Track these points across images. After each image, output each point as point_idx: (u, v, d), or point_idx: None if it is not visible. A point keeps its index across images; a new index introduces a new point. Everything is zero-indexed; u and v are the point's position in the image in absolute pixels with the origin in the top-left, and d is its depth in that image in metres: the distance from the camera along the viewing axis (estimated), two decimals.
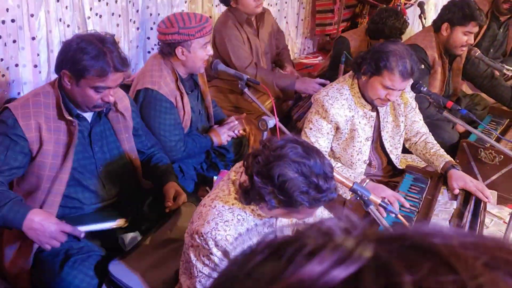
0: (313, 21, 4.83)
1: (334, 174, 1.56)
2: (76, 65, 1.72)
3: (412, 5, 4.16)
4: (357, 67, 2.17)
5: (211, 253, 1.43)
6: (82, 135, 1.90)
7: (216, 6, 3.62)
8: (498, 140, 2.59)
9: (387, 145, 2.39)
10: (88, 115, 1.92)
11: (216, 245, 1.42)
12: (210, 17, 3.55)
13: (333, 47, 3.57)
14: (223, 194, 1.51)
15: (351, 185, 1.60)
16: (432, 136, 2.44)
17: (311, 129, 2.25)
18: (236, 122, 2.68)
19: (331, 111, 2.19)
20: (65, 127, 1.83)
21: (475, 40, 3.73)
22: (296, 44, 4.76)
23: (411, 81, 2.20)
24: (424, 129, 2.47)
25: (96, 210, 1.96)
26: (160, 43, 2.36)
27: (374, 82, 2.10)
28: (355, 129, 2.25)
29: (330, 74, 3.49)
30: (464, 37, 2.80)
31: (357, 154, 2.30)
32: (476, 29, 2.80)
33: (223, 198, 1.49)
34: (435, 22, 2.95)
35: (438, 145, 2.39)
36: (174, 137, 2.36)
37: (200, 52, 2.31)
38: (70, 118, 1.81)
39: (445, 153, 2.33)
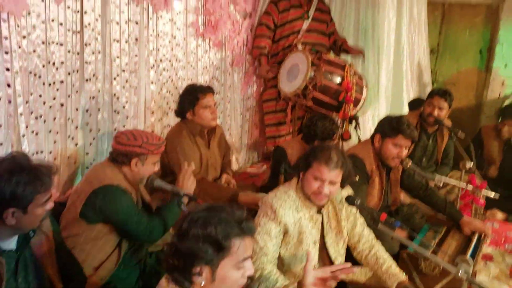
0: (259, 133, 4.97)
1: None
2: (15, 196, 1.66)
3: (356, 114, 4.36)
4: (296, 170, 2.32)
5: None
6: (9, 267, 1.75)
7: (159, 120, 3.68)
8: (436, 250, 2.61)
9: (331, 251, 2.39)
10: (13, 244, 1.79)
11: None
12: (153, 131, 3.60)
13: (272, 157, 3.74)
14: None
15: None
16: (382, 248, 2.44)
17: (259, 233, 2.24)
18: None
19: (280, 211, 2.23)
20: None
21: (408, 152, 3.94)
22: (241, 154, 4.85)
23: (340, 175, 2.26)
24: (372, 238, 2.48)
25: None
26: (114, 152, 2.45)
27: (307, 175, 2.25)
28: (303, 231, 2.27)
29: (271, 183, 3.55)
30: (393, 149, 2.93)
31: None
32: (406, 142, 2.94)
33: None
34: (372, 135, 3.11)
35: (389, 257, 2.39)
36: (141, 224, 2.39)
37: (150, 167, 2.48)
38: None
39: (397, 269, 2.32)
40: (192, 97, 3.23)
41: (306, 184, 2.26)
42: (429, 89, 5.58)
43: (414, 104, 4.79)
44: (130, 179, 2.47)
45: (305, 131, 3.49)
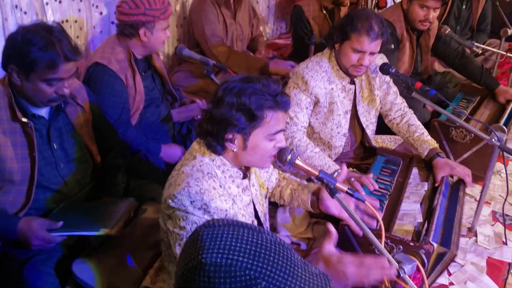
0: (287, 1, 4.73)
1: (300, 163, 1.56)
2: (24, 58, 1.62)
3: None
4: (330, 40, 2.19)
5: (188, 212, 1.42)
6: (40, 134, 1.81)
7: None
8: (467, 119, 2.58)
9: (362, 120, 2.40)
10: (45, 112, 1.83)
11: (192, 202, 1.41)
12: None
13: (291, 16, 3.75)
14: (188, 160, 1.51)
15: (317, 173, 1.56)
16: (414, 116, 2.43)
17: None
18: (195, 105, 2.65)
19: (311, 83, 2.19)
20: (21, 129, 1.74)
21: (441, 18, 3.73)
22: (269, 25, 4.68)
23: (380, 44, 2.15)
24: (405, 106, 2.46)
25: (60, 209, 1.88)
26: (120, 24, 2.32)
27: (345, 48, 2.13)
28: (334, 102, 2.25)
29: (297, 48, 3.53)
30: (421, 10, 2.83)
31: (337, 128, 2.31)
32: (433, 3, 2.79)
33: (188, 163, 1.49)
34: None
35: (421, 125, 2.39)
36: (113, 115, 2.27)
37: (161, 34, 2.34)
38: (24, 119, 1.73)
39: (428, 136, 2.32)
40: None
41: (344, 57, 2.15)
42: None
43: None
44: (139, 52, 2.36)
45: None
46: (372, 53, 2.12)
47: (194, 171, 1.46)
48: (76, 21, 2.82)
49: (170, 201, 1.43)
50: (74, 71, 1.74)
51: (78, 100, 1.93)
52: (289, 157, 1.55)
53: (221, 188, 1.48)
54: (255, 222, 1.65)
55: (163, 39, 2.38)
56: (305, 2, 3.64)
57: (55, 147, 1.86)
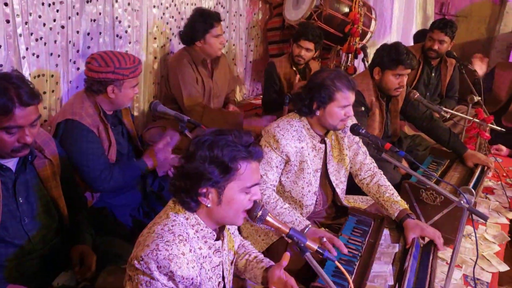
0: (264, 63, 4.87)
1: (271, 219, 1.54)
2: None
3: (365, 45, 4.27)
4: (307, 109, 2.24)
5: (153, 278, 1.36)
6: (6, 187, 1.75)
7: (162, 47, 3.59)
8: (437, 182, 2.62)
9: (332, 179, 2.41)
10: (12, 164, 1.78)
11: (159, 267, 1.35)
12: (155, 57, 3.53)
13: (264, 71, 3.94)
14: (161, 218, 1.47)
15: (287, 230, 1.54)
16: (384, 177, 2.45)
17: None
18: (173, 133, 2.60)
19: (282, 141, 2.22)
20: None
21: (411, 84, 3.89)
22: (245, 86, 4.78)
23: None
24: (374, 167, 2.49)
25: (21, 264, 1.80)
26: (88, 80, 2.31)
27: (330, 109, 2.20)
28: (304, 160, 2.28)
29: (266, 102, 3.84)
30: (394, 80, 2.90)
31: (307, 186, 2.32)
32: (406, 72, 2.89)
33: (161, 222, 1.45)
34: (369, 66, 3.05)
35: (391, 186, 2.41)
36: (98, 166, 2.25)
37: (129, 91, 2.33)
38: None
39: (398, 197, 2.34)
40: (205, 24, 3.15)
41: (330, 117, 2.22)
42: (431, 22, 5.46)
43: (418, 36, 4.69)
44: (108, 108, 2.35)
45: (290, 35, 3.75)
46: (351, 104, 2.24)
47: (166, 231, 1.42)
48: (52, 76, 2.83)
49: (136, 262, 1.38)
50: (35, 118, 1.68)
51: (46, 153, 1.90)
52: (259, 213, 1.53)
53: (191, 253, 1.43)
54: (221, 284, 1.60)
55: (131, 96, 2.38)
56: (278, 59, 3.83)
57: (21, 201, 1.80)
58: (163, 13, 3.52)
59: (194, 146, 1.44)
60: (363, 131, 2.28)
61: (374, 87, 3.00)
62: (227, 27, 4.31)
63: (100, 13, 3.00)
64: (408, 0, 5.37)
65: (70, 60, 2.93)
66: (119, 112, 2.46)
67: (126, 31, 3.20)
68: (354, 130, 2.30)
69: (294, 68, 3.78)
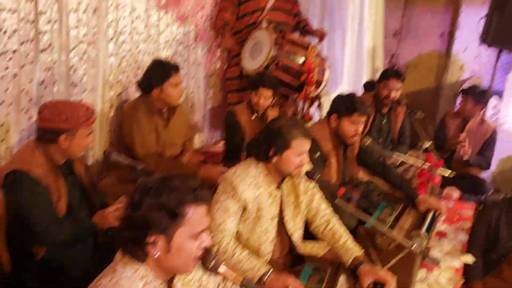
0: (222, 111, 4.92)
1: (224, 269, 1.52)
2: None
3: (320, 94, 4.39)
4: (264, 155, 2.26)
5: None
6: None
7: (118, 95, 3.58)
8: (392, 227, 2.67)
9: (289, 226, 2.40)
10: None
11: None
12: (111, 105, 3.51)
13: (224, 120, 3.94)
14: (108, 272, 1.43)
15: (241, 279, 1.52)
16: (340, 222, 2.47)
17: (218, 209, 2.23)
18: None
19: (239, 188, 2.22)
20: None
21: (364, 130, 4.00)
22: (204, 133, 4.80)
23: None
24: (330, 212, 2.51)
25: None
26: (39, 129, 2.27)
27: (287, 156, 2.23)
28: (261, 207, 2.27)
29: (229, 152, 3.82)
30: (351, 126, 2.98)
31: (265, 234, 2.31)
32: (362, 119, 2.99)
33: (107, 275, 1.42)
34: (327, 114, 3.14)
35: (346, 232, 2.42)
36: (44, 219, 2.17)
37: (83, 141, 2.30)
38: None
39: (353, 244, 2.35)
40: (163, 73, 3.16)
41: (286, 164, 2.25)
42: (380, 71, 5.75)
43: (368, 86, 4.89)
44: (59, 158, 2.31)
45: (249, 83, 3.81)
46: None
47: (112, 286, 1.38)
48: (2, 125, 2.76)
49: None
50: None
51: None
52: (212, 263, 1.51)
53: None
54: None
55: (84, 146, 2.34)
56: (238, 108, 3.85)
57: None
58: (120, 62, 3.53)
59: (140, 193, 1.42)
60: (318, 177, 2.32)
61: (331, 136, 3.07)
62: (185, 76, 4.36)
63: (55, 62, 2.99)
64: (358, 51, 5.65)
65: (22, 109, 2.87)
66: (71, 161, 2.41)
67: (81, 80, 3.18)
68: (310, 176, 2.34)
69: (253, 116, 3.83)
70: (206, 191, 1.48)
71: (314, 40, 4.58)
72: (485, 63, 5.60)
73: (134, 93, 3.63)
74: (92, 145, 3.34)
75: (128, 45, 3.56)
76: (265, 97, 3.75)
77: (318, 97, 4.25)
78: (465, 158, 4.04)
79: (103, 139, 3.44)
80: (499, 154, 4.88)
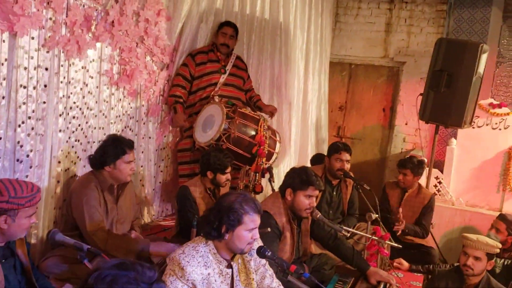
0: (173, 184, 4.88)
1: None
2: None
3: (271, 165, 4.46)
4: (216, 232, 2.25)
5: None
6: None
7: (66, 170, 3.50)
8: None
9: None
10: None
11: None
12: (58, 181, 3.41)
13: (176, 196, 3.84)
14: None
15: None
16: None
17: None
18: None
19: (187, 269, 2.16)
20: None
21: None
22: (154, 207, 4.71)
23: None
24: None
25: None
26: None
27: (239, 232, 2.24)
28: (211, 287, 2.21)
29: (182, 228, 3.70)
30: (306, 200, 3.03)
31: None
32: (316, 193, 3.05)
33: None
34: (280, 188, 3.18)
35: None
36: None
37: (24, 221, 2.22)
38: None
39: None
40: (118, 150, 3.15)
41: (238, 240, 2.25)
42: (325, 146, 6.00)
43: (317, 159, 5.05)
44: (0, 239, 2.20)
45: (200, 163, 3.76)
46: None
47: None
48: None
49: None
50: None
51: None
52: None
53: None
54: None
55: (26, 227, 2.25)
56: (191, 183, 3.81)
57: None
58: (69, 137, 3.49)
59: (94, 281, 1.36)
60: (269, 254, 2.31)
61: (285, 210, 3.10)
62: (135, 149, 4.33)
63: (1, 138, 2.92)
64: (303, 124, 5.88)
65: None
66: (12, 242, 2.29)
67: (27, 155, 3.11)
68: (261, 252, 2.33)
69: (208, 192, 3.82)
70: (162, 283, 1.42)
71: (265, 115, 4.73)
72: (425, 136, 5.93)
73: (82, 168, 3.57)
74: (35, 223, 3.20)
75: (78, 121, 3.55)
76: (227, 177, 3.80)
77: (269, 169, 4.32)
78: (398, 233, 4.17)
79: (47, 217, 3.30)
80: (443, 227, 5.09)
